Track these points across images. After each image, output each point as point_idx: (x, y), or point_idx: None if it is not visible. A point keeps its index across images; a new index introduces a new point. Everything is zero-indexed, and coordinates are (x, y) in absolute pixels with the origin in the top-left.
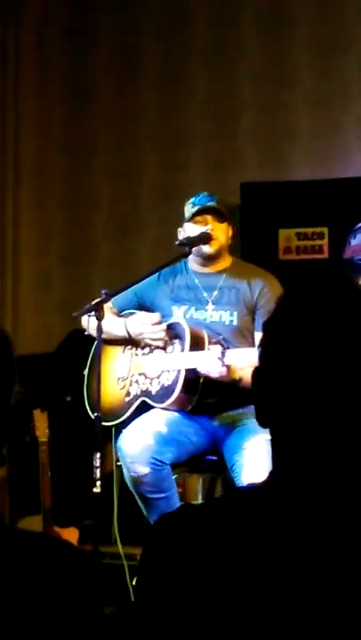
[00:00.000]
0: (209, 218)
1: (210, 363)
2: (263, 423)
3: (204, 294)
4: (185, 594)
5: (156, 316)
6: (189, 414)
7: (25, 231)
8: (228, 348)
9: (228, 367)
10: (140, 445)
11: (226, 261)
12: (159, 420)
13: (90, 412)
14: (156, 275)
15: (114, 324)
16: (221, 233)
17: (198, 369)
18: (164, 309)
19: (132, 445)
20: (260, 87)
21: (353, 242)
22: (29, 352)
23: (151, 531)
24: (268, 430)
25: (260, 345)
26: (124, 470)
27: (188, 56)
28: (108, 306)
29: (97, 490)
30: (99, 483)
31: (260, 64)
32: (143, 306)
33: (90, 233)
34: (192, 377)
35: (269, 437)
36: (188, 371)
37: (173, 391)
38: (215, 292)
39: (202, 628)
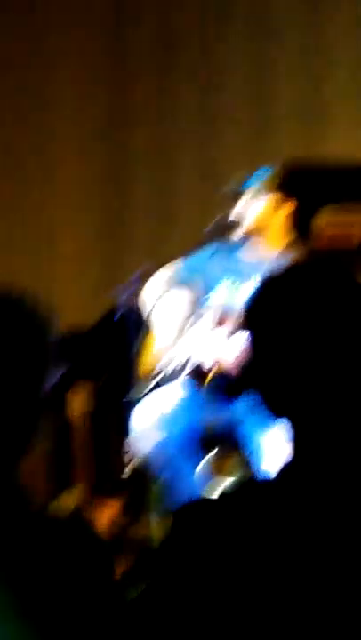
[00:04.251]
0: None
1: (219, 344)
2: (273, 410)
3: (249, 274)
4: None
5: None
6: (208, 394)
7: (63, 208)
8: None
9: (238, 351)
10: (146, 423)
11: (276, 243)
12: (171, 397)
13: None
14: (213, 246)
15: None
16: (261, 216)
17: (209, 349)
18: (210, 283)
19: (139, 423)
20: (299, 70)
21: None
22: (69, 329)
23: (172, 520)
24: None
25: (246, 331)
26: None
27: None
28: (168, 274)
29: (125, 476)
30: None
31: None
32: (197, 276)
33: (129, 210)
34: (207, 357)
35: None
36: (202, 350)
37: (186, 368)
38: (259, 273)
39: None
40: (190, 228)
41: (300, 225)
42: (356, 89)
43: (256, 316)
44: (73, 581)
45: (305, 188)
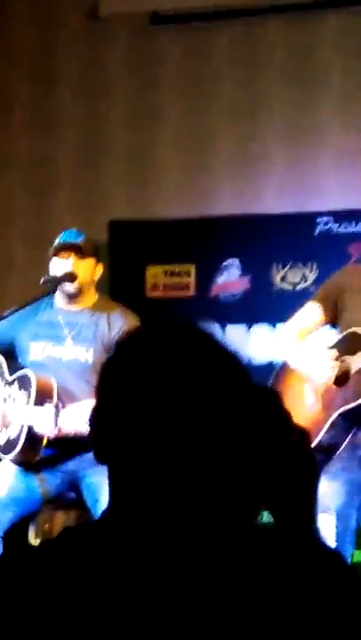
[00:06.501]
0: (71, 255)
1: (44, 422)
2: (100, 459)
3: (65, 331)
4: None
5: None
6: (40, 464)
7: None
8: (63, 407)
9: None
10: None
11: (90, 298)
12: (4, 476)
13: None
14: (21, 311)
15: None
16: (83, 270)
17: (34, 427)
18: (23, 346)
19: None
20: (130, 125)
21: (219, 280)
22: None
23: None
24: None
25: (97, 384)
26: None
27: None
28: None
29: None
30: None
31: (131, 107)
32: (7, 343)
33: None
34: (35, 432)
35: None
36: (30, 426)
37: (16, 446)
38: (75, 329)
39: None
40: (19, 290)
41: (128, 278)
42: (183, 147)
43: (110, 371)
44: None
45: (132, 243)
